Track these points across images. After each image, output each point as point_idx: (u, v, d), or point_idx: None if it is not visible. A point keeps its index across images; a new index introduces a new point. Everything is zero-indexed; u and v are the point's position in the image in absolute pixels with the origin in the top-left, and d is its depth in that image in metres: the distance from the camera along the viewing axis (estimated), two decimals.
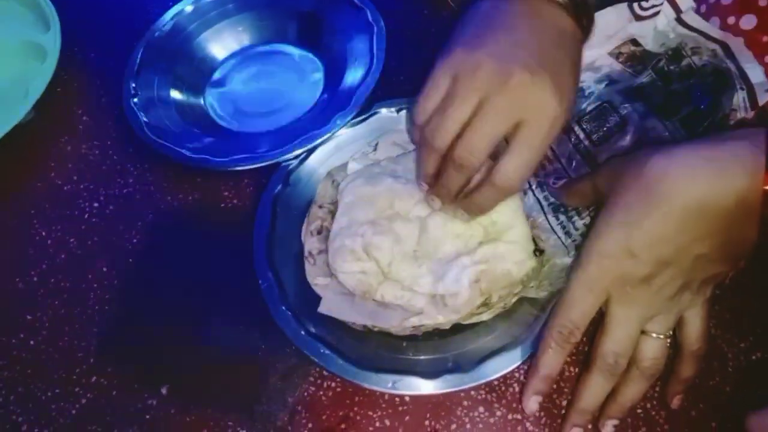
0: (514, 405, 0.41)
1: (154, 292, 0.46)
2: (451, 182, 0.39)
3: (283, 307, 0.41)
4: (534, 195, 0.45)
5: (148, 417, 0.42)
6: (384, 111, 0.49)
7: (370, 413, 0.41)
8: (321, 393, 0.42)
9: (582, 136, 0.44)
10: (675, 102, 0.44)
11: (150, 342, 0.44)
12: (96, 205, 0.50)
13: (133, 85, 0.52)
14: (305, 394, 0.42)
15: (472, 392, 0.41)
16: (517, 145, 0.36)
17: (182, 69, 0.55)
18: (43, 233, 0.49)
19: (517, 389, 0.41)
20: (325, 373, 0.42)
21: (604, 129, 0.44)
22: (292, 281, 0.43)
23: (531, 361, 0.39)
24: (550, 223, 0.43)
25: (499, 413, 0.41)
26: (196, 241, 0.48)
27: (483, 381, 0.39)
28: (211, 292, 0.46)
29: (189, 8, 0.57)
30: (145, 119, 0.50)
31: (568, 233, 0.43)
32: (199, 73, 0.56)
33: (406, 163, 0.45)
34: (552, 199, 0.44)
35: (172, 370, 0.43)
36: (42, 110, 0.53)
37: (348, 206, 0.43)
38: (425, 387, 0.39)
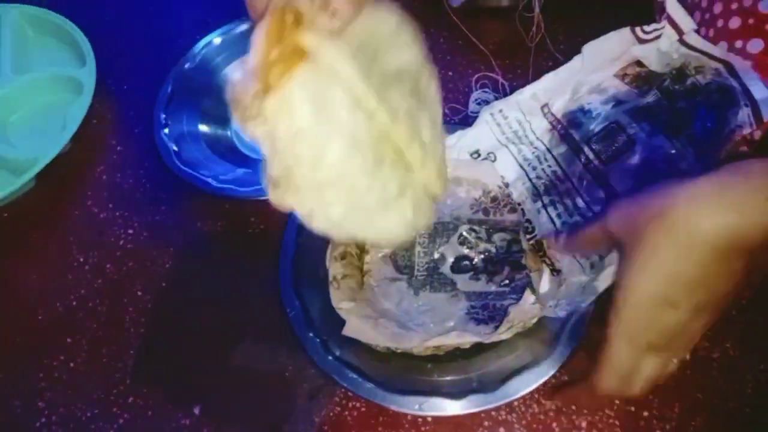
0: (534, 426, 0.42)
1: (186, 315, 0.48)
2: None
3: (311, 334, 0.43)
4: (547, 214, 0.45)
5: None
6: None
7: None
8: (347, 413, 0.43)
9: (591, 156, 0.45)
10: (681, 120, 0.44)
11: (183, 363, 0.46)
12: (130, 231, 0.53)
13: (164, 116, 0.55)
14: (331, 414, 0.43)
15: (493, 413, 0.42)
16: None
17: (209, 101, 0.57)
18: (81, 259, 0.52)
19: (536, 409, 0.42)
20: (350, 394, 0.44)
21: (613, 148, 0.45)
22: (318, 305, 0.45)
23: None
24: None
25: None
26: (225, 266, 0.50)
27: (506, 401, 0.40)
28: (240, 314, 0.48)
29: (217, 40, 0.59)
30: (174, 149, 0.53)
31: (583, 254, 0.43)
32: (225, 105, 0.58)
33: None
34: (568, 219, 0.45)
35: (203, 391, 0.44)
36: (78, 141, 0.56)
37: None
38: (451, 408, 0.41)
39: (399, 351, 0.43)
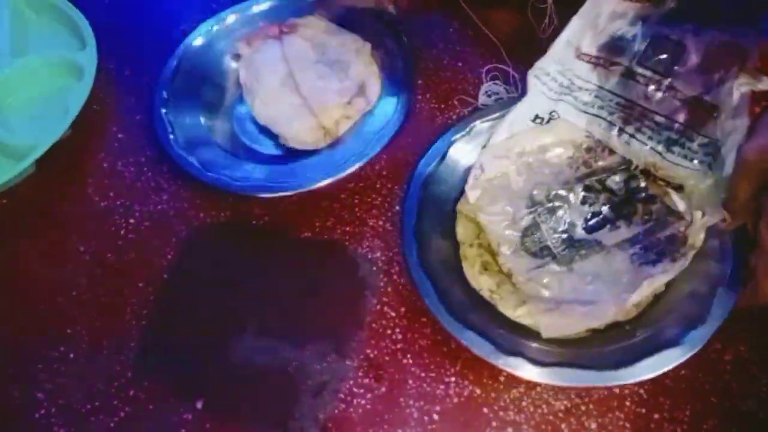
0: (543, 426, 0.41)
1: (189, 307, 0.47)
2: None
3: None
4: (638, 142, 0.44)
5: (183, 431, 0.43)
6: None
7: (399, 431, 0.42)
8: (351, 410, 0.43)
9: (648, 73, 0.44)
10: (712, 4, 0.44)
11: (185, 356, 0.45)
12: (132, 221, 0.52)
13: (164, 111, 0.54)
14: (336, 411, 0.43)
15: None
16: None
17: (210, 90, 0.57)
18: (81, 249, 0.51)
19: (545, 410, 0.42)
20: (355, 390, 0.43)
21: (666, 59, 0.44)
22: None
23: None
24: (670, 160, 0.43)
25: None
26: (228, 257, 0.49)
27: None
28: (244, 307, 0.47)
29: (231, 18, 0.59)
30: (172, 137, 0.52)
31: (691, 159, 0.42)
32: (225, 92, 0.58)
33: None
34: (659, 137, 0.43)
35: (206, 385, 0.44)
36: (78, 127, 0.55)
37: None
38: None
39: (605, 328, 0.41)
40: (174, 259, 0.49)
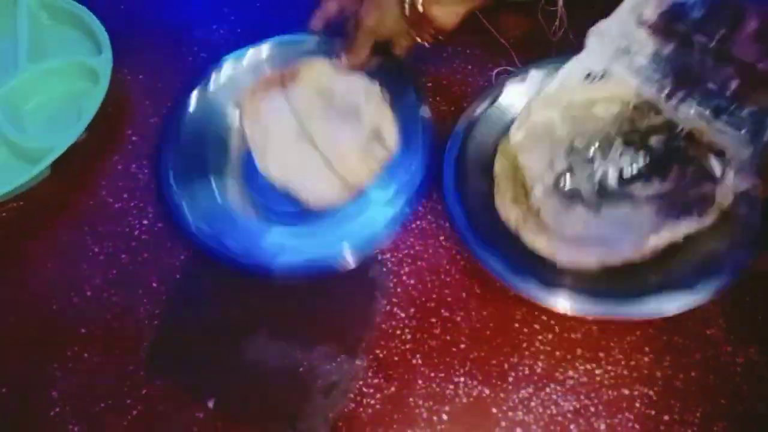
0: (552, 427, 0.41)
1: (201, 307, 0.48)
2: None
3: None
4: (686, 107, 0.44)
5: (195, 429, 0.43)
6: None
7: (408, 431, 0.42)
8: (361, 410, 0.43)
9: (705, 40, 0.44)
10: None
11: (196, 356, 0.46)
12: (145, 222, 0.52)
13: (174, 185, 0.51)
14: (346, 410, 0.43)
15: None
16: None
17: (216, 150, 0.54)
18: (96, 249, 0.51)
19: (554, 411, 0.42)
20: (364, 390, 0.43)
21: (725, 25, 0.44)
22: None
23: None
24: (717, 127, 0.43)
25: None
26: None
27: None
28: (255, 307, 0.47)
29: (214, 81, 0.56)
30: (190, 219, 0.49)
31: (738, 127, 0.42)
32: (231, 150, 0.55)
33: None
34: (709, 103, 0.43)
35: (217, 385, 0.44)
36: (93, 130, 0.55)
37: None
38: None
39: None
40: (186, 260, 0.50)
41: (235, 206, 0.50)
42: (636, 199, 0.46)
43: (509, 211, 0.47)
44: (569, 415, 0.42)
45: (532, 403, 0.42)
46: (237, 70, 0.56)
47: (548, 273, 0.44)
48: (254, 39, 0.62)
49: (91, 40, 0.61)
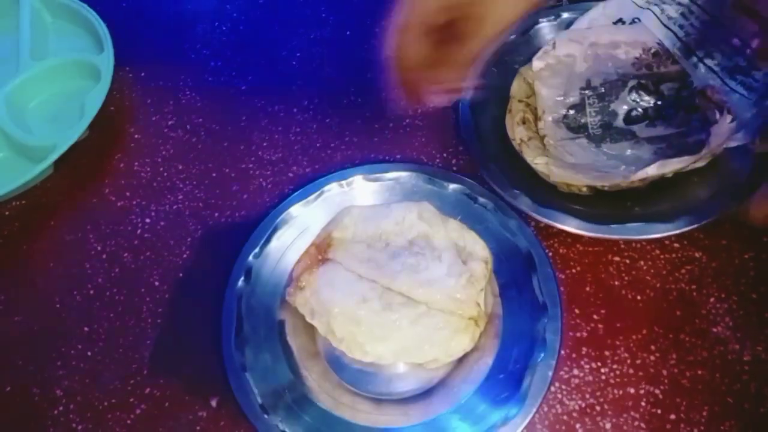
0: (557, 426, 0.41)
1: (204, 306, 0.47)
2: None
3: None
4: (705, 66, 0.47)
5: (198, 428, 0.43)
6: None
7: None
8: None
9: None
10: None
11: (200, 355, 0.46)
12: (148, 220, 0.52)
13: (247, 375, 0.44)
14: None
15: None
16: None
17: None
18: (99, 248, 0.51)
19: (560, 410, 0.42)
20: None
21: None
22: None
23: None
24: (728, 85, 0.46)
25: None
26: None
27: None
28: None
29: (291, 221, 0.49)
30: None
31: (750, 88, 0.45)
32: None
33: None
34: (728, 62, 0.46)
35: (221, 383, 0.44)
36: (96, 128, 0.55)
37: None
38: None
39: (606, 188, 0.45)
40: (189, 258, 0.50)
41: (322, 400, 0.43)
42: (637, 139, 0.49)
43: (515, 131, 0.49)
44: (575, 414, 0.41)
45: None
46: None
47: (542, 192, 0.46)
48: (256, 37, 0.62)
49: (93, 37, 0.61)
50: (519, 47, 0.54)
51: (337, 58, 0.60)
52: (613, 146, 0.49)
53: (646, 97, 0.50)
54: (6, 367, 0.47)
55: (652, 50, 0.50)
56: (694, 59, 0.48)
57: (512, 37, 0.54)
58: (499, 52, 0.53)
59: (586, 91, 0.51)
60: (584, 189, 0.46)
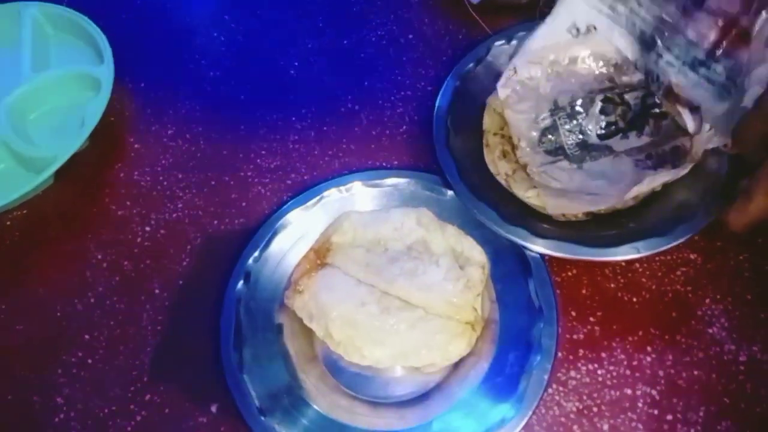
0: (555, 428, 0.41)
1: (204, 312, 0.48)
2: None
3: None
4: (665, 60, 0.46)
5: None
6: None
7: None
8: None
9: None
10: None
11: (200, 361, 0.46)
12: (148, 229, 0.53)
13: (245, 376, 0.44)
14: None
15: None
16: None
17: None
18: (99, 256, 0.52)
19: (557, 412, 0.42)
20: None
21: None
22: None
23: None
24: (693, 80, 0.45)
25: None
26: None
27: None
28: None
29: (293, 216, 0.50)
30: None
31: (713, 81, 0.44)
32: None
33: None
34: (687, 56, 0.45)
35: (221, 389, 0.44)
36: (95, 138, 0.56)
37: None
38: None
39: (602, 212, 0.46)
40: (189, 266, 0.50)
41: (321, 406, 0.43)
42: (615, 153, 0.49)
43: (498, 166, 0.48)
44: (572, 416, 0.42)
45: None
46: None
47: (537, 221, 0.46)
48: (254, 47, 0.63)
49: (93, 49, 0.61)
50: (479, 77, 0.53)
51: (334, 67, 0.61)
52: (594, 164, 0.48)
53: (614, 111, 0.50)
54: (6, 376, 0.47)
55: (612, 61, 0.50)
56: (654, 55, 0.47)
57: (470, 65, 0.54)
58: (460, 83, 0.53)
59: (556, 112, 0.50)
60: (580, 215, 0.46)
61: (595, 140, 0.49)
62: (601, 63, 0.50)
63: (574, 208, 0.45)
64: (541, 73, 0.50)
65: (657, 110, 0.48)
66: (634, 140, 0.49)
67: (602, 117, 0.50)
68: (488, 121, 0.51)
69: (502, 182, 0.48)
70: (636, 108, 0.49)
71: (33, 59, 0.60)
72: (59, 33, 0.65)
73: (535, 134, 0.50)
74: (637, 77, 0.49)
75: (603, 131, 0.49)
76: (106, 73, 0.58)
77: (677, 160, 0.46)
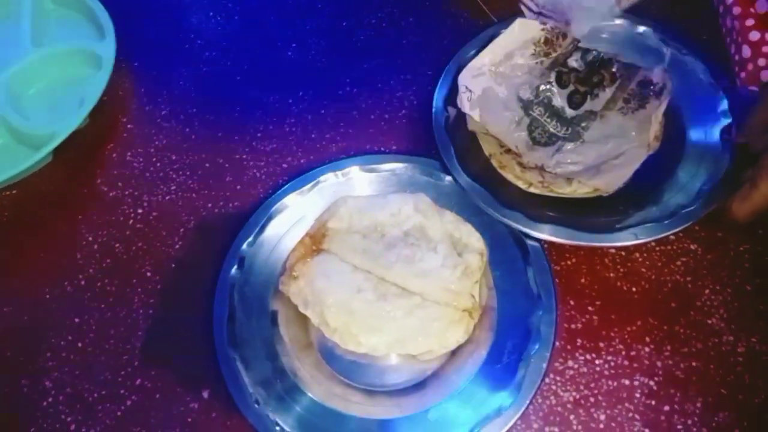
0: (552, 418, 0.41)
1: (197, 296, 0.47)
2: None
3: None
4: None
5: (189, 420, 0.43)
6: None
7: None
8: None
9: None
10: None
11: (191, 346, 0.45)
12: (140, 211, 0.52)
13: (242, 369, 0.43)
14: None
15: None
16: None
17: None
18: (90, 238, 0.51)
19: (554, 401, 0.41)
20: None
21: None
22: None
23: None
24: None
25: None
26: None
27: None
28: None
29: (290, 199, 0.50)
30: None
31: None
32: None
33: None
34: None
35: (213, 374, 0.43)
36: (90, 117, 0.55)
37: None
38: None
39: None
40: (181, 249, 0.50)
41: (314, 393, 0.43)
42: (598, 113, 0.49)
43: (527, 179, 0.48)
44: (569, 406, 0.41)
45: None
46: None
47: (534, 206, 0.46)
48: (251, 27, 0.62)
49: (94, 25, 0.60)
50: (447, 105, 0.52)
51: (332, 49, 0.59)
52: (591, 132, 0.49)
53: (570, 79, 0.50)
54: None
55: (541, 40, 0.51)
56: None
57: (471, 52, 0.53)
58: (437, 120, 0.51)
59: (527, 107, 0.50)
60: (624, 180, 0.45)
61: (572, 113, 0.50)
62: (532, 46, 0.51)
63: (621, 177, 0.44)
64: (491, 81, 0.50)
65: (599, 61, 0.50)
66: (603, 95, 0.49)
67: (565, 90, 0.50)
68: (486, 146, 0.50)
69: (538, 191, 0.47)
70: (582, 68, 0.50)
71: (32, 34, 0.59)
72: (60, 8, 0.63)
73: (524, 135, 0.49)
74: (567, 41, 0.50)
75: (573, 101, 0.50)
76: (107, 49, 0.56)
77: (650, 91, 0.47)
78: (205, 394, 0.44)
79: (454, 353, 0.43)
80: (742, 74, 0.48)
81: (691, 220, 0.43)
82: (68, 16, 0.63)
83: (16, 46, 0.58)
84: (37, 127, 0.54)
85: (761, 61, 0.46)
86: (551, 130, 0.49)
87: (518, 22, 0.50)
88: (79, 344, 0.46)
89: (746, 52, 0.47)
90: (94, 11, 0.59)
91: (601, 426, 0.40)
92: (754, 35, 0.46)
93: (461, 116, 0.50)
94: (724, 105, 0.48)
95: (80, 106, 0.53)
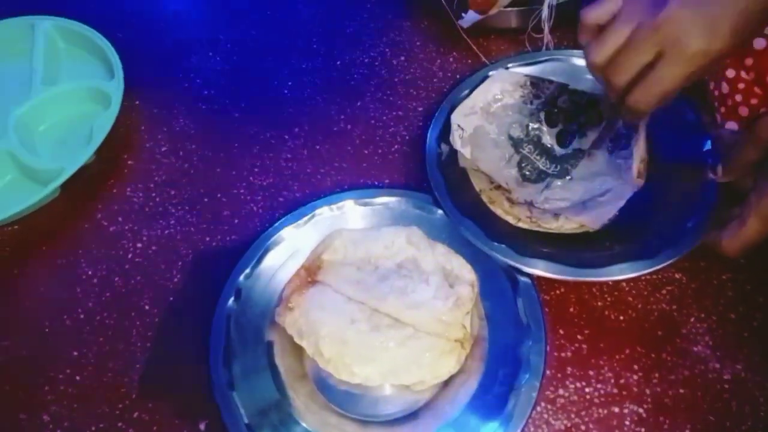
0: None
1: (194, 329, 0.48)
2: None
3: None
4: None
5: None
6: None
7: None
8: None
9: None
10: None
11: (189, 379, 0.46)
12: (139, 245, 0.53)
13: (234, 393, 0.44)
14: None
15: None
16: (648, 76, 0.38)
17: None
18: (90, 272, 0.52)
19: (546, 430, 0.42)
20: None
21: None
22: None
23: None
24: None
25: None
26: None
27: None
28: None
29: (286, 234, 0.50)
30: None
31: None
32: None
33: None
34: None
35: (210, 406, 0.44)
36: (98, 153, 0.56)
37: None
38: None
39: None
40: (180, 282, 0.51)
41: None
42: (586, 152, 0.51)
43: (515, 213, 0.49)
44: None
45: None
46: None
47: (522, 240, 0.47)
48: (248, 66, 0.64)
49: (103, 64, 0.63)
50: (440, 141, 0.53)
51: (327, 87, 0.62)
52: (579, 170, 0.51)
53: (558, 119, 0.52)
54: None
55: (528, 83, 0.53)
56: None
57: (464, 92, 0.54)
58: (431, 157, 0.52)
59: (517, 144, 0.52)
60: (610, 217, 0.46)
61: (561, 151, 0.52)
62: (519, 89, 0.53)
63: (606, 213, 0.46)
64: (482, 120, 0.53)
65: (586, 101, 0.51)
66: (591, 134, 0.51)
67: (554, 129, 0.53)
68: (477, 181, 0.51)
69: (526, 226, 0.48)
70: (571, 108, 0.52)
71: (44, 73, 0.61)
72: (71, 47, 0.66)
73: (514, 172, 0.51)
74: (554, 84, 0.52)
75: (561, 140, 0.52)
76: (116, 88, 0.58)
77: (634, 129, 0.48)
78: (202, 426, 0.44)
79: (446, 383, 0.44)
80: (722, 109, 0.50)
81: (676, 257, 0.44)
82: (79, 55, 0.65)
83: (28, 84, 0.60)
84: (46, 163, 0.56)
85: (738, 97, 0.48)
86: (541, 167, 0.52)
87: (501, 72, 0.54)
88: (78, 377, 0.47)
89: (725, 88, 0.49)
90: (104, 51, 0.62)
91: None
92: (730, 72, 0.48)
93: (453, 153, 0.52)
94: (709, 143, 0.49)
95: (88, 142, 0.55)
